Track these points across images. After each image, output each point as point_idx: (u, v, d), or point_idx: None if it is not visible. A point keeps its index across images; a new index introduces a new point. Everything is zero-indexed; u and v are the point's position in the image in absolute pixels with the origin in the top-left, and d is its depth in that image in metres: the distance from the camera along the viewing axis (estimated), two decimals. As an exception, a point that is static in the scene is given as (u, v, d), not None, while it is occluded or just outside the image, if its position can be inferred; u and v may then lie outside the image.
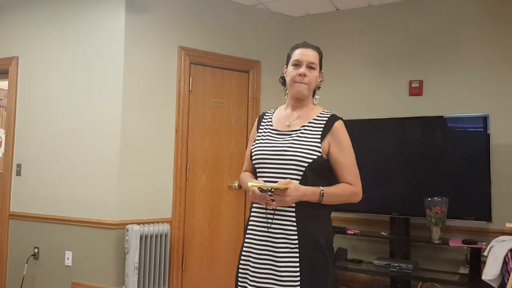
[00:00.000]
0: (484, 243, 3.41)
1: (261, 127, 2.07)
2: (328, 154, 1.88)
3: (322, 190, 1.83)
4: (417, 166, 3.81)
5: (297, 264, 1.79)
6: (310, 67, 1.93)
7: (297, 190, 1.77)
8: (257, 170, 1.94)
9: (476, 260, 3.42)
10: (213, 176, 4.11)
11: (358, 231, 3.95)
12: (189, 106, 4.01)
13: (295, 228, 1.82)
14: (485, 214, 3.50)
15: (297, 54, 1.95)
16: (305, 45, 1.98)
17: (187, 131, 3.99)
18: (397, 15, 4.20)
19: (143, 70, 3.78)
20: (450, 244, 3.49)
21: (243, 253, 1.94)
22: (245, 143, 4.32)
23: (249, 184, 1.78)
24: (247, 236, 1.93)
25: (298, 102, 1.99)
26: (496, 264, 3.09)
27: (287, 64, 2.01)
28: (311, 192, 1.81)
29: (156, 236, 3.63)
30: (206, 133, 4.11)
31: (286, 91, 2.05)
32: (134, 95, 3.73)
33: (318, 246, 1.83)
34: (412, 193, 3.78)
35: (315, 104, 2.03)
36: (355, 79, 4.36)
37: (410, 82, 4.10)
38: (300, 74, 1.92)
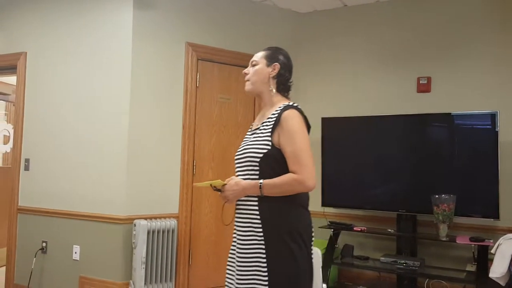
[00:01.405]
0: (491, 241, 3.40)
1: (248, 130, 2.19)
2: (279, 145, 1.88)
3: (261, 182, 1.85)
4: (425, 163, 3.79)
5: (264, 258, 1.83)
6: (252, 65, 2.08)
7: (236, 185, 1.87)
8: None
9: (484, 258, 3.41)
10: (219, 172, 4.12)
11: (365, 228, 3.95)
12: (196, 102, 4.02)
13: (259, 222, 1.86)
14: (493, 211, 3.49)
15: None
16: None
17: (194, 127, 4.00)
18: (405, 11, 4.18)
19: (150, 66, 3.79)
20: (457, 242, 3.48)
21: (231, 248, 2.04)
22: (252, 139, 4.32)
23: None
24: (234, 231, 2.02)
25: (260, 99, 2.08)
26: (504, 261, 3.08)
27: None
28: (251, 186, 1.86)
29: (163, 231, 3.65)
30: (213, 129, 4.12)
31: None
32: (141, 91, 3.74)
33: (280, 239, 1.84)
34: (419, 190, 3.78)
35: (282, 98, 2.04)
36: (363, 76, 4.35)
37: (418, 79, 4.08)
38: (243, 73, 2.10)
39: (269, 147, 1.87)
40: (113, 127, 3.71)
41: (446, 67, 3.99)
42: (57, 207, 3.91)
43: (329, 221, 4.10)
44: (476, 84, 3.87)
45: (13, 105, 4.85)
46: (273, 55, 2.05)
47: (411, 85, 4.13)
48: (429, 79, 4.04)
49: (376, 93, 4.27)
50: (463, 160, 3.67)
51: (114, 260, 3.62)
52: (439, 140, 3.80)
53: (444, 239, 3.54)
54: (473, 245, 3.57)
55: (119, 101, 3.70)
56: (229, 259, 2.02)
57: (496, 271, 3.10)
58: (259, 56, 2.07)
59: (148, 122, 3.76)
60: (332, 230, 4.00)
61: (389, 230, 3.91)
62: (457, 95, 3.93)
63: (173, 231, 3.72)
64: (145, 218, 3.62)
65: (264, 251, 1.83)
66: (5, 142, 5.37)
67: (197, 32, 4.03)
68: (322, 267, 2.31)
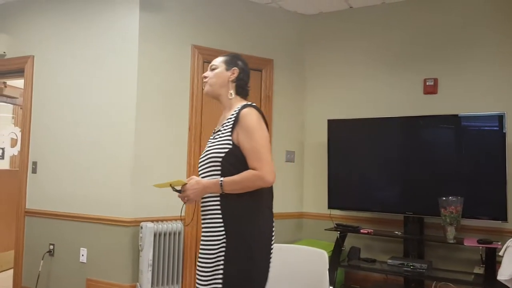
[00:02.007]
0: (499, 243, 3.38)
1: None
2: (239, 143, 1.92)
3: (221, 180, 1.88)
4: (432, 165, 3.78)
5: (223, 256, 1.87)
6: (211, 69, 2.11)
7: (197, 183, 1.91)
8: None
9: (492, 260, 3.39)
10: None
11: (372, 230, 3.93)
12: (202, 104, 4.02)
13: (221, 220, 1.90)
14: (501, 213, 3.47)
15: None
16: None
17: (200, 129, 4.01)
18: (411, 13, 4.17)
19: (157, 68, 3.80)
20: (465, 244, 3.45)
21: None
22: (258, 142, 4.32)
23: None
24: None
25: (220, 102, 2.11)
26: (512, 264, 3.06)
27: None
28: (212, 184, 1.89)
29: (169, 234, 3.66)
30: (219, 131, 4.12)
31: None
32: (148, 94, 3.75)
33: (241, 238, 1.87)
34: (426, 192, 3.76)
35: (240, 100, 2.08)
36: (369, 77, 4.34)
37: (425, 81, 4.07)
38: (202, 77, 2.16)
39: (230, 146, 1.91)
40: (119, 129, 3.72)
41: (453, 68, 3.97)
42: (64, 210, 3.93)
43: (336, 223, 4.09)
44: (483, 85, 3.85)
45: (21, 108, 4.89)
46: (232, 60, 2.12)
47: (417, 86, 4.11)
48: (435, 80, 4.03)
49: (383, 94, 4.26)
50: (470, 162, 3.65)
51: (121, 262, 3.63)
52: (446, 142, 3.78)
53: (452, 241, 3.52)
54: (481, 248, 3.54)
55: (125, 104, 3.72)
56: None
57: (505, 273, 3.07)
58: (218, 61, 2.12)
59: (154, 124, 3.77)
60: (339, 232, 3.99)
61: (396, 232, 3.89)
62: (464, 97, 3.91)
63: (179, 233, 3.73)
64: (152, 221, 3.63)
65: (224, 249, 1.87)
66: (13, 145, 5.40)
67: (203, 35, 4.04)
68: (329, 270, 2.30)
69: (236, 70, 2.09)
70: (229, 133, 1.93)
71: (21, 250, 4.16)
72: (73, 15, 4.03)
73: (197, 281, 1.96)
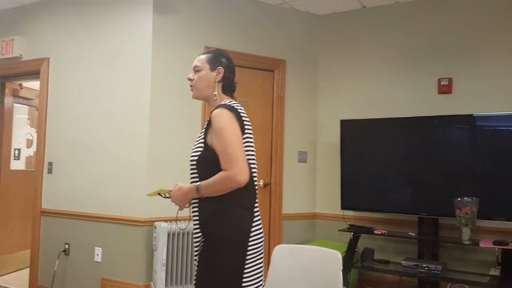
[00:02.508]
0: (516, 245, 3.34)
1: None
2: (212, 144, 1.89)
3: (198, 184, 1.89)
4: (446, 166, 3.74)
5: (198, 255, 1.91)
6: (195, 70, 2.07)
7: (179, 190, 1.93)
8: None
9: (508, 262, 3.35)
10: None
11: (386, 231, 3.91)
12: (215, 105, 4.03)
13: (197, 224, 1.92)
14: (517, 214, 3.42)
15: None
16: (201, 53, 2.12)
17: (213, 130, 4.02)
18: (425, 12, 4.14)
19: (170, 70, 3.83)
20: (480, 245, 3.42)
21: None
22: (270, 142, 4.33)
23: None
24: None
25: (207, 103, 2.09)
26: (529, 266, 3.02)
27: None
28: (190, 189, 1.90)
29: (183, 233, 3.68)
30: (232, 132, 4.12)
31: None
32: (162, 95, 3.78)
33: (212, 240, 1.86)
34: (441, 193, 3.72)
35: (227, 100, 2.03)
36: (382, 77, 4.32)
37: (439, 80, 4.03)
38: (188, 79, 2.09)
39: (202, 149, 1.90)
40: (133, 130, 3.76)
41: (468, 67, 3.93)
42: (79, 210, 3.98)
43: (349, 224, 4.08)
44: (498, 85, 3.80)
45: (36, 109, 4.95)
46: (216, 58, 2.05)
47: (431, 86, 4.08)
48: (450, 80, 3.99)
49: (396, 94, 4.23)
50: (485, 162, 3.60)
51: (135, 262, 3.66)
52: (461, 142, 3.74)
53: (467, 242, 3.48)
54: (496, 249, 3.50)
55: (139, 105, 3.75)
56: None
57: (521, 275, 3.03)
58: (202, 60, 2.05)
59: (167, 125, 3.80)
60: (352, 233, 3.97)
61: (410, 233, 3.86)
62: (479, 96, 3.87)
63: (193, 233, 3.74)
64: (166, 221, 3.65)
65: (202, 251, 1.90)
66: (29, 146, 5.47)
67: (215, 36, 4.05)
68: (342, 271, 2.29)
69: (221, 70, 2.04)
70: (203, 136, 1.93)
71: (37, 250, 4.22)
72: (88, 17, 4.08)
73: None
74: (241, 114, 1.92)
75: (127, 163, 3.76)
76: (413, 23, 4.19)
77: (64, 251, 4.03)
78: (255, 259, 1.90)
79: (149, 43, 3.74)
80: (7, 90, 4.83)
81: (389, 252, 4.14)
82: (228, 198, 1.86)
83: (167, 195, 2.00)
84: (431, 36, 4.10)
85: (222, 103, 1.96)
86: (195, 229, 1.94)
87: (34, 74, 4.44)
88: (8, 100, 4.86)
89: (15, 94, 4.94)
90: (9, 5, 4.54)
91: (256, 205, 1.95)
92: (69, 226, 4.03)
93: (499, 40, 3.82)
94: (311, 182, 4.58)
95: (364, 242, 4.15)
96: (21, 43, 4.46)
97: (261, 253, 1.95)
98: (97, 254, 3.85)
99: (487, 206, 3.49)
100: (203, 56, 2.08)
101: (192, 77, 2.06)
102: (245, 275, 1.85)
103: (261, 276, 1.95)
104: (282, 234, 4.33)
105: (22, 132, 5.42)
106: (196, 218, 1.93)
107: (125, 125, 3.80)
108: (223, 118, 1.86)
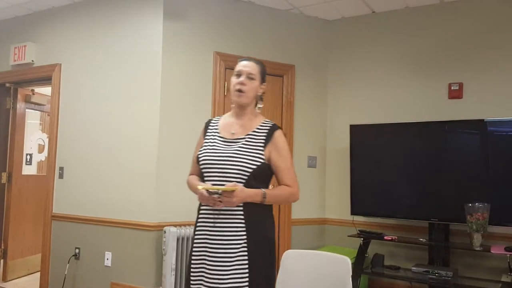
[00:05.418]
0: (528, 251, 3.29)
1: (208, 133, 2.23)
2: (269, 160, 2.08)
3: (264, 192, 2.03)
4: (457, 171, 3.71)
5: (246, 258, 1.97)
6: (249, 77, 2.11)
7: (242, 191, 1.98)
8: (204, 174, 2.10)
9: (520, 269, 3.30)
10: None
11: (396, 237, 3.88)
12: (224, 111, 4.05)
13: (243, 226, 1.99)
14: (530, 221, 3.38)
15: (240, 65, 2.14)
16: (247, 58, 2.17)
17: (223, 135, 4.03)
18: (435, 17, 4.12)
19: (180, 75, 3.85)
20: (492, 252, 3.38)
21: (194, 253, 2.08)
22: (280, 147, 4.32)
23: (199, 186, 1.97)
24: (197, 236, 2.09)
25: (241, 110, 2.16)
26: (542, 273, 2.98)
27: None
28: (254, 194, 2.01)
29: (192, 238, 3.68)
30: (241, 137, 4.13)
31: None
32: (171, 100, 3.80)
33: (264, 240, 2.04)
34: (451, 199, 3.69)
35: (258, 112, 2.21)
36: (393, 82, 4.30)
37: (450, 85, 4.01)
38: (239, 83, 2.10)
39: (262, 161, 2.05)
40: (143, 135, 3.78)
41: (478, 72, 3.90)
42: (90, 214, 4.01)
43: (359, 230, 4.05)
44: (509, 89, 3.77)
45: (48, 115, 5.01)
46: (264, 74, 2.18)
47: (442, 91, 4.05)
48: (460, 85, 3.96)
49: (406, 99, 4.21)
50: (497, 168, 3.57)
51: (144, 266, 3.68)
52: (472, 147, 3.72)
53: (478, 248, 3.44)
54: (508, 255, 3.46)
55: (149, 110, 3.77)
56: (194, 266, 2.06)
57: (534, 282, 2.99)
58: (255, 70, 2.14)
59: (177, 130, 3.82)
60: (362, 239, 3.95)
61: (421, 239, 3.83)
62: (490, 101, 3.83)
63: (202, 238, 3.74)
64: (175, 225, 3.66)
65: (246, 253, 1.98)
66: (40, 151, 5.53)
67: (224, 41, 4.07)
68: (352, 277, 2.28)
69: (264, 87, 2.18)
70: (261, 149, 2.06)
71: (48, 254, 4.25)
72: (98, 23, 4.12)
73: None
74: None
75: (137, 168, 3.78)
76: (423, 28, 4.18)
77: (75, 255, 4.06)
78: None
79: (159, 49, 3.76)
80: (19, 96, 4.89)
81: (399, 258, 4.11)
82: (271, 209, 2.12)
83: (217, 191, 1.97)
84: (441, 41, 4.08)
85: (268, 120, 2.16)
86: (235, 227, 1.99)
87: (46, 80, 4.49)
88: (20, 105, 4.92)
89: (27, 100, 5.00)
90: (21, 12, 4.61)
91: None
92: (79, 231, 4.06)
93: (510, 44, 3.79)
94: (321, 187, 4.56)
95: (374, 248, 4.12)
96: (33, 49, 4.52)
97: None
98: (107, 259, 3.87)
99: (498, 212, 3.45)
100: (256, 66, 2.15)
101: (245, 82, 2.11)
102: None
103: None
104: (292, 239, 4.31)
105: (34, 137, 5.48)
106: (240, 220, 2.00)
107: (135, 131, 3.83)
108: (285, 140, 2.14)
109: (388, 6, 4.26)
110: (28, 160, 5.32)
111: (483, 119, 3.68)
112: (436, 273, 3.57)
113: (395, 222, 4.12)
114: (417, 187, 3.90)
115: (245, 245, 1.98)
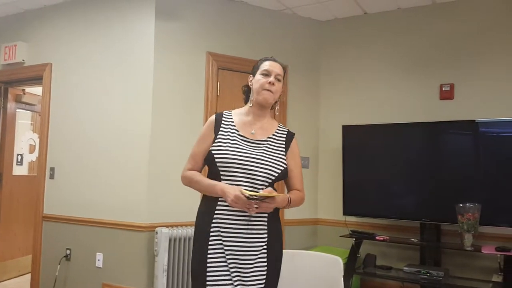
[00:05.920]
0: (518, 251, 3.32)
1: (223, 129, 2.09)
2: (287, 165, 2.11)
3: (290, 197, 2.05)
4: (449, 172, 3.73)
5: (265, 261, 2.00)
6: (277, 78, 2.10)
7: (280, 198, 1.98)
8: (223, 172, 2.00)
9: (510, 268, 3.33)
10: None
11: (388, 237, 3.90)
12: (217, 111, 4.04)
13: (266, 229, 2.01)
14: (520, 221, 3.41)
15: (267, 65, 2.11)
16: (273, 59, 2.16)
17: (215, 136, 4.02)
18: (427, 18, 4.14)
19: (172, 75, 3.84)
20: (482, 252, 3.40)
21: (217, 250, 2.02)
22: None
23: (245, 191, 1.86)
24: (224, 234, 1.99)
25: (261, 110, 2.14)
26: (532, 272, 3.00)
27: (253, 74, 2.15)
28: (282, 200, 2.00)
29: (184, 239, 3.67)
30: (234, 137, 4.13)
31: (251, 98, 2.15)
32: (163, 100, 3.78)
33: (279, 237, 2.09)
34: (443, 199, 3.71)
35: (275, 114, 2.27)
36: (384, 83, 4.32)
37: (441, 86, 4.03)
38: (269, 82, 2.07)
39: (285, 166, 2.08)
40: (135, 136, 3.76)
41: (470, 73, 3.93)
42: (81, 215, 3.98)
43: (351, 230, 4.07)
44: (500, 91, 3.80)
45: (39, 115, 4.97)
46: (284, 77, 2.18)
47: (433, 92, 4.08)
48: (452, 86, 3.99)
49: (398, 100, 4.23)
50: (488, 168, 3.60)
51: (136, 267, 3.66)
52: (463, 148, 3.74)
53: (469, 248, 3.47)
54: (499, 255, 3.48)
55: (141, 111, 3.76)
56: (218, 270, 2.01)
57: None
58: (282, 71, 2.14)
59: (169, 130, 3.80)
60: (354, 239, 3.96)
61: (412, 239, 3.85)
62: (481, 102, 3.86)
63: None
64: (167, 226, 3.65)
65: (265, 250, 2.01)
66: (31, 151, 5.49)
67: (217, 42, 4.07)
68: (344, 277, 2.29)
69: (282, 90, 2.20)
70: (283, 154, 2.10)
71: (39, 255, 4.22)
72: (90, 22, 4.10)
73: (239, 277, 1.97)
74: None
75: (128, 169, 3.76)
76: (415, 29, 4.20)
77: (66, 256, 4.03)
78: None
79: (151, 49, 3.75)
80: (10, 96, 4.85)
81: (391, 258, 4.12)
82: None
83: (257, 197, 1.91)
84: (433, 42, 4.11)
85: (281, 125, 2.23)
86: (258, 225, 2.00)
87: (36, 79, 4.45)
88: (10, 105, 4.88)
89: (17, 100, 4.96)
90: (11, 11, 4.57)
91: None
92: (70, 232, 4.03)
93: (501, 45, 3.82)
94: (313, 188, 4.57)
95: (366, 248, 4.14)
96: (23, 48, 4.49)
97: None
98: (99, 260, 3.85)
99: (489, 212, 3.48)
100: (281, 68, 2.14)
101: (275, 83, 2.10)
102: None
103: None
104: (284, 240, 4.31)
105: (24, 138, 5.43)
106: (264, 218, 2.01)
107: (127, 131, 3.81)
108: (298, 147, 2.22)
109: (380, 7, 4.28)
110: (19, 160, 5.28)
111: (474, 120, 3.70)
112: (427, 273, 3.59)
113: (387, 222, 4.14)
114: (409, 188, 3.92)
115: (265, 241, 2.01)
